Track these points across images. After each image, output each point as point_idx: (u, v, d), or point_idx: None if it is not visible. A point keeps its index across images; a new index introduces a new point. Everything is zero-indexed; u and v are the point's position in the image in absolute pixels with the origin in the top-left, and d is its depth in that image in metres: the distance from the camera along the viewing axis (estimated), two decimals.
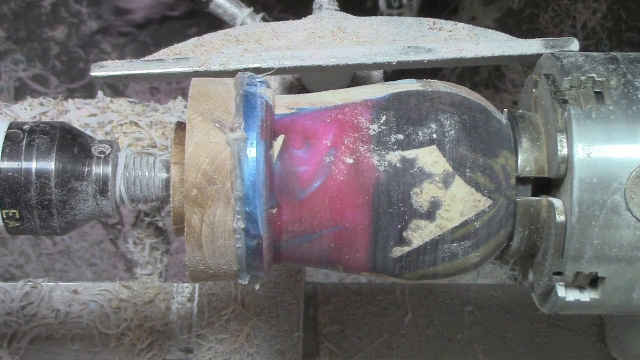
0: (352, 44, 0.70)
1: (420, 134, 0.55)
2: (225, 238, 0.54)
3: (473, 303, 0.87)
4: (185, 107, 0.87)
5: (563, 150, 0.55)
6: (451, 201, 0.55)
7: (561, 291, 0.56)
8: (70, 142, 0.58)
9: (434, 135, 0.55)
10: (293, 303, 0.82)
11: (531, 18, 1.34)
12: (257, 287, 0.59)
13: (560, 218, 0.55)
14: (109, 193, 0.58)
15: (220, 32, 0.73)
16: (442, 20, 0.72)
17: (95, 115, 0.86)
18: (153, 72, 0.69)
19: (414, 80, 0.60)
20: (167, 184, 0.59)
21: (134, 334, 0.83)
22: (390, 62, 0.68)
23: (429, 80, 0.60)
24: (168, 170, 0.59)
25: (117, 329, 0.83)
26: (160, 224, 0.87)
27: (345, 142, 0.56)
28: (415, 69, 0.69)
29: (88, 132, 0.84)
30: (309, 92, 0.83)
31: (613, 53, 0.59)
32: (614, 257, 0.54)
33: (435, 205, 0.55)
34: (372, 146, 0.55)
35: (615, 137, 0.54)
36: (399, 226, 0.55)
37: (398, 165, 0.55)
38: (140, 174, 0.59)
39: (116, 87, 1.36)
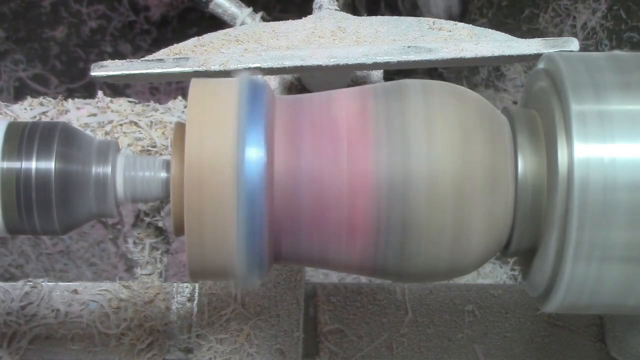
0: (352, 44, 0.70)
1: None
2: (226, 237, 0.54)
3: (473, 303, 0.87)
4: (185, 107, 0.87)
5: (563, 150, 0.55)
6: None
7: (561, 290, 0.56)
8: (70, 142, 0.58)
9: None
10: (293, 303, 0.81)
11: (531, 18, 1.34)
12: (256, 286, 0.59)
13: (560, 217, 0.55)
14: (109, 193, 0.58)
15: (220, 32, 0.73)
16: (442, 20, 0.72)
17: (95, 115, 0.86)
18: (153, 72, 0.69)
19: None
20: (167, 183, 0.59)
21: (134, 334, 0.83)
22: (390, 62, 0.68)
23: None
24: (168, 170, 0.59)
25: (117, 329, 0.83)
26: (160, 224, 0.86)
27: None
28: (415, 69, 0.69)
29: (88, 132, 0.84)
30: (309, 92, 0.83)
31: (613, 52, 0.59)
32: (613, 257, 0.54)
33: None
34: None
35: (616, 136, 0.54)
36: None
37: None
38: (140, 174, 0.59)
39: (116, 87, 1.36)
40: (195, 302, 0.84)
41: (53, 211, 0.57)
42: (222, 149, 0.53)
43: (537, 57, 0.64)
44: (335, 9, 0.78)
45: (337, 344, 0.85)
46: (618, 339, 0.82)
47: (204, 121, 0.54)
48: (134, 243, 0.87)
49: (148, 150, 0.84)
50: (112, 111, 0.86)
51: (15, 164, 0.56)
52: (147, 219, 0.86)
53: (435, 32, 0.71)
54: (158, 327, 0.84)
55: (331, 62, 0.68)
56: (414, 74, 0.63)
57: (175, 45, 0.71)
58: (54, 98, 0.88)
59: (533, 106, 0.61)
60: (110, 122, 0.85)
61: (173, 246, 0.90)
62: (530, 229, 0.57)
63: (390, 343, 0.85)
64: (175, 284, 0.86)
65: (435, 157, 0.55)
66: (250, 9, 0.89)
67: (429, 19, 0.73)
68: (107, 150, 0.58)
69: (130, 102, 0.88)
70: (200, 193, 0.53)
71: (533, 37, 0.69)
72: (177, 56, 0.70)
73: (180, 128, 0.57)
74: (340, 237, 0.56)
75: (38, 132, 0.57)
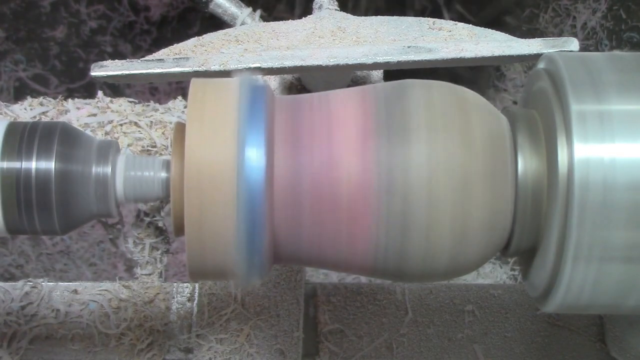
0: (352, 44, 0.70)
1: None
2: (226, 237, 0.54)
3: (473, 303, 0.87)
4: (185, 107, 0.87)
5: (563, 150, 0.55)
6: None
7: (561, 290, 0.56)
8: (70, 142, 0.58)
9: None
10: (293, 303, 0.81)
11: (531, 18, 1.34)
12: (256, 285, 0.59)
13: (560, 217, 0.55)
14: (109, 193, 0.58)
15: (220, 32, 0.73)
16: (442, 20, 0.72)
17: (95, 115, 0.86)
18: (153, 72, 0.69)
19: None
20: (167, 183, 0.59)
21: (134, 334, 0.83)
22: (390, 62, 0.68)
23: None
24: (168, 170, 0.59)
25: (117, 329, 0.83)
26: (160, 224, 0.86)
27: None
28: (414, 69, 0.69)
29: (88, 132, 0.84)
30: (309, 92, 0.83)
31: (613, 52, 0.59)
32: (613, 257, 0.54)
33: None
34: None
35: (616, 136, 0.54)
36: None
37: None
38: (140, 173, 0.59)
39: (116, 87, 1.36)
40: (195, 302, 0.84)
41: (53, 211, 0.57)
42: (222, 149, 0.53)
43: (537, 57, 0.64)
44: (335, 9, 0.78)
45: (337, 344, 0.85)
46: (618, 339, 0.82)
47: (204, 121, 0.54)
48: (134, 243, 0.87)
49: (148, 150, 0.84)
50: (112, 111, 0.86)
51: (15, 164, 0.56)
52: (147, 219, 0.86)
53: (435, 32, 0.71)
54: (158, 327, 0.84)
55: (331, 62, 0.68)
56: (418, 73, 0.63)
57: (175, 45, 0.71)
58: (54, 98, 0.88)
59: (533, 106, 0.61)
60: (110, 122, 0.85)
61: (173, 246, 0.90)
62: (530, 229, 0.57)
63: (390, 343, 0.85)
64: (175, 284, 0.86)
65: (435, 157, 0.55)
66: (250, 9, 0.89)
67: (428, 18, 0.73)
68: (107, 150, 0.58)
69: (130, 102, 0.88)
70: (200, 193, 0.53)
71: (533, 37, 0.69)
72: (177, 56, 0.70)
73: (180, 128, 0.57)
74: (340, 237, 0.56)
75: (38, 132, 0.57)
